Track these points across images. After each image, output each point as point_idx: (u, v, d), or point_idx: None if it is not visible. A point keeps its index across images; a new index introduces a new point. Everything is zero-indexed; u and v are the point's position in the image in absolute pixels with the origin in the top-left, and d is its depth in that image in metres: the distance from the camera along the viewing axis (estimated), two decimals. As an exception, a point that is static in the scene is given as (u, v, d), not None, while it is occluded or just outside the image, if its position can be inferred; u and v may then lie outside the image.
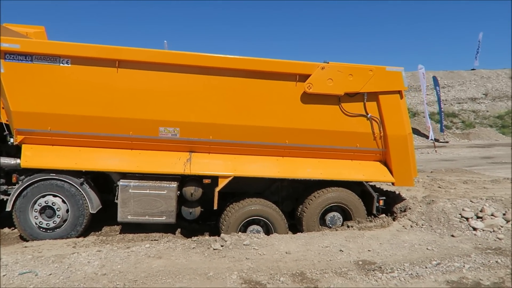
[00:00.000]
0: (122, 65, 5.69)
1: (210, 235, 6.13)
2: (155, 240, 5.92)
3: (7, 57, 5.47)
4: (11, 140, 5.81)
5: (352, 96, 6.23)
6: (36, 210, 5.80)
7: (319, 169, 6.35)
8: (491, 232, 5.99)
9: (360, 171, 6.50)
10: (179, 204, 6.07)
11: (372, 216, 6.64)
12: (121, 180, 5.88)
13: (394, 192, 7.73)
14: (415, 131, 23.32)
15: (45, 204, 5.82)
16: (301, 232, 6.28)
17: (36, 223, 5.83)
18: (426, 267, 4.78)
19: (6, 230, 6.38)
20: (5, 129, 5.87)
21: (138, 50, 5.74)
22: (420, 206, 6.74)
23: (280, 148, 6.29)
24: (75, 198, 5.89)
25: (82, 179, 5.90)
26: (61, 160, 5.79)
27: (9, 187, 5.90)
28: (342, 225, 6.49)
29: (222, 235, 5.56)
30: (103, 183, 6.30)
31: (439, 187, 8.61)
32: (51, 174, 5.81)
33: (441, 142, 22.43)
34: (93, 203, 5.96)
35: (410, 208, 6.75)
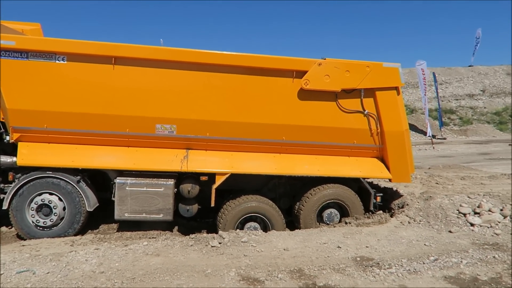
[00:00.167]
0: (118, 62, 5.66)
1: (208, 233, 6.12)
2: (153, 238, 5.91)
3: (3, 54, 5.43)
4: (7, 138, 5.78)
5: (349, 93, 6.22)
6: (32, 209, 5.78)
7: (316, 166, 6.34)
8: (488, 227, 6.01)
9: (357, 167, 6.50)
10: (176, 202, 6.06)
11: (370, 213, 6.64)
12: (118, 177, 5.86)
13: (392, 188, 7.74)
14: (413, 128, 23.35)
15: (42, 203, 5.79)
16: (299, 229, 6.28)
17: (33, 222, 5.80)
18: (423, 263, 4.79)
19: (3, 229, 6.35)
20: (1, 127, 5.84)
21: (134, 46, 5.71)
22: (418, 202, 6.75)
23: (277, 144, 6.27)
24: (72, 196, 5.87)
25: (78, 177, 5.87)
26: (58, 158, 5.77)
27: (6, 185, 5.87)
28: (340, 221, 6.49)
29: (220, 232, 5.56)
30: (100, 181, 6.28)
31: (437, 183, 8.62)
32: (47, 172, 5.79)
33: (439, 138, 22.47)
34: (90, 201, 5.94)
35: (407, 204, 6.76)
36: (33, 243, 5.55)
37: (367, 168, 6.53)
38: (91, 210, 5.99)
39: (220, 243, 5.18)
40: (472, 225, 6.06)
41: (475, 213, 6.34)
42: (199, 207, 6.30)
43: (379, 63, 6.24)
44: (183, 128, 5.97)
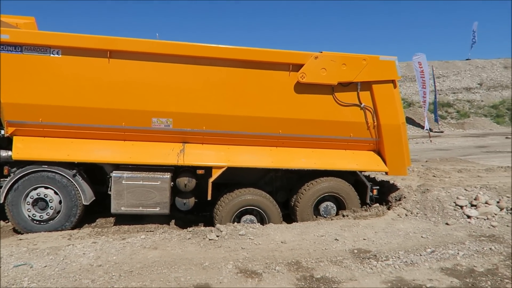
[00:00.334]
0: (113, 56, 5.63)
1: (205, 226, 6.12)
2: (150, 231, 5.91)
3: (-3, 47, 5.39)
4: (2, 132, 5.74)
5: (345, 86, 6.21)
6: (28, 203, 5.76)
7: (313, 159, 6.34)
8: (485, 219, 6.03)
9: (354, 160, 6.50)
10: (173, 195, 6.05)
11: (367, 206, 6.65)
12: (114, 171, 5.84)
13: (389, 181, 7.75)
14: (411, 121, 23.38)
15: (38, 197, 5.78)
16: (295, 222, 6.28)
17: (29, 216, 5.79)
18: (420, 255, 4.80)
19: (1, 223, 6.34)
20: None
21: (129, 40, 5.69)
22: (415, 195, 6.77)
23: (274, 138, 6.26)
24: (67, 189, 5.85)
25: (74, 171, 5.85)
26: (53, 151, 5.74)
27: (1, 179, 5.84)
28: (337, 214, 6.50)
29: (217, 225, 5.55)
30: (97, 175, 6.26)
31: (434, 176, 8.65)
32: (43, 166, 5.76)
33: (436, 132, 22.51)
34: (86, 195, 5.92)
35: (405, 197, 6.77)
36: (30, 237, 5.55)
37: (363, 161, 6.53)
38: (88, 204, 5.97)
39: (217, 236, 5.18)
40: (468, 217, 6.08)
41: (472, 205, 6.36)
42: (196, 201, 6.29)
43: (375, 56, 6.23)
44: (179, 122, 5.95)
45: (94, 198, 6.12)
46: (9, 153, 5.72)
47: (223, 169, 6.00)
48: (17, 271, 4.19)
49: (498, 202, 6.40)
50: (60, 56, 5.55)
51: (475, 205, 6.34)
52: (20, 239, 5.47)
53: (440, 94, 25.92)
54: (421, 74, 19.76)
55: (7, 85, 5.48)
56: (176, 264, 4.38)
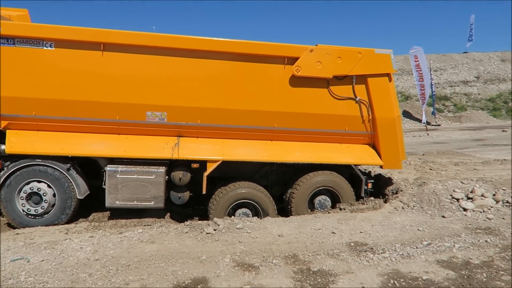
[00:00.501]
0: (107, 48, 5.58)
1: (200, 220, 6.11)
2: (147, 225, 5.88)
3: (-12, 40, 5.32)
4: (-5, 126, 5.69)
5: (340, 79, 6.19)
6: (22, 198, 5.73)
7: (308, 153, 6.32)
8: (481, 212, 6.04)
9: (349, 154, 6.49)
10: (167, 189, 6.03)
11: (362, 199, 6.64)
12: (108, 165, 5.80)
13: (385, 175, 7.75)
14: (408, 115, 23.41)
15: (31, 191, 5.74)
16: (290, 215, 6.27)
17: (24, 211, 5.76)
18: (417, 248, 4.81)
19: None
20: None
21: (123, 32, 5.63)
22: (412, 188, 6.77)
23: (269, 132, 6.24)
24: (60, 182, 5.81)
25: (68, 165, 5.82)
26: (47, 145, 5.70)
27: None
28: (334, 207, 6.49)
29: (215, 219, 5.53)
30: (91, 169, 6.22)
31: (431, 169, 8.64)
32: (37, 160, 5.72)
33: (433, 125, 22.54)
34: (80, 189, 5.89)
35: (401, 190, 6.78)
36: (27, 232, 5.52)
37: (358, 155, 6.52)
38: (82, 198, 5.94)
39: (215, 230, 5.17)
40: (465, 210, 6.08)
41: (468, 198, 6.37)
42: (191, 195, 6.27)
43: (371, 49, 6.20)
44: (174, 115, 5.91)
45: (89, 192, 6.09)
46: (2, 147, 5.67)
47: (218, 163, 5.97)
48: (14, 266, 4.18)
49: (494, 195, 6.41)
50: (53, 49, 5.49)
51: (471, 198, 6.34)
52: (17, 234, 5.44)
53: (437, 88, 25.92)
54: (417, 68, 19.72)
55: None
56: (173, 258, 4.37)
